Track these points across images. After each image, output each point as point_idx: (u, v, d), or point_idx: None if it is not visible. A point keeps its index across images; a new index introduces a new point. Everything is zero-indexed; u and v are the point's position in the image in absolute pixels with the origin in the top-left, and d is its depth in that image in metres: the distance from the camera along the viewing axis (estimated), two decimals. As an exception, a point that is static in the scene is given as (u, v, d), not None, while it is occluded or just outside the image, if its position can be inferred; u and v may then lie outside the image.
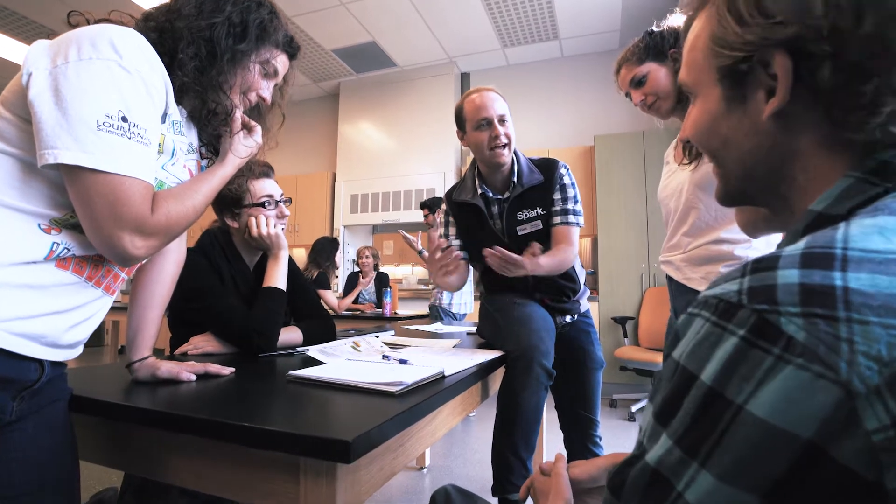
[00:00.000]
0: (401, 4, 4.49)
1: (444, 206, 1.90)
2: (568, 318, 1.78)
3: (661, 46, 1.43)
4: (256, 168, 1.52)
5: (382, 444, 0.74)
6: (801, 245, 0.36)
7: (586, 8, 4.54)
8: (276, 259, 1.54)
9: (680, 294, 1.47)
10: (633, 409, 3.73)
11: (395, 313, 3.87)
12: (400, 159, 5.71)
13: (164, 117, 0.84)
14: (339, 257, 4.86)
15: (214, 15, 0.89)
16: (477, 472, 2.67)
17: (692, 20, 0.55)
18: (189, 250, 1.26)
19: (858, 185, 0.41)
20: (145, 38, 0.80)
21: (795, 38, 0.41)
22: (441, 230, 1.88)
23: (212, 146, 1.02)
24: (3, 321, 0.72)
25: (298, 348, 1.49)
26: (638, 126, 4.90)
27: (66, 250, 0.78)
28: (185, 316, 1.47)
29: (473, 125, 1.67)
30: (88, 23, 0.81)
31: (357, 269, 4.77)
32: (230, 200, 1.50)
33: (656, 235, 4.38)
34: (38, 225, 0.75)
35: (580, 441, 1.76)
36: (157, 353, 1.10)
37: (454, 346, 1.61)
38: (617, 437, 3.17)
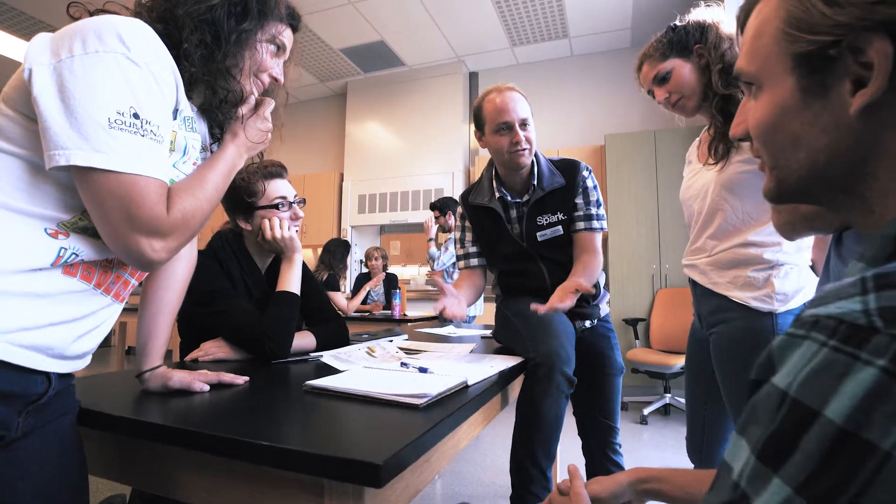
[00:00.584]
0: (409, 3, 4.45)
1: (459, 210, 1.85)
2: (588, 323, 1.73)
3: (686, 41, 1.37)
4: (269, 168, 1.48)
5: (412, 464, 0.69)
6: None
7: (597, 6, 4.48)
8: (291, 262, 1.50)
9: (704, 298, 1.42)
10: (646, 412, 3.67)
11: (405, 315, 3.83)
12: (408, 159, 5.67)
13: (175, 113, 0.80)
14: (348, 259, 4.83)
15: None
16: (489, 478, 2.62)
17: (753, 4, 0.50)
18: (199, 253, 1.21)
19: None
20: (152, 29, 0.76)
21: None
22: (456, 234, 1.84)
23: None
24: (8, 333, 0.68)
25: (312, 354, 1.45)
26: (649, 125, 4.83)
27: (73, 255, 0.74)
28: (195, 320, 1.43)
29: (493, 128, 1.59)
30: (90, 14, 0.76)
31: (365, 270, 4.74)
32: (244, 203, 1.46)
33: (668, 236, 4.32)
34: (45, 229, 0.71)
35: (599, 449, 1.71)
36: (166, 356, 1.07)
37: (471, 352, 1.57)
38: (629, 441, 3.12)
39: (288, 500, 0.70)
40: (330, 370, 1.19)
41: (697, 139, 1.53)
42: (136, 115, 0.68)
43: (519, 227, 1.69)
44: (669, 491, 0.75)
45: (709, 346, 1.38)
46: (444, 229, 4.01)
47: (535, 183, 1.64)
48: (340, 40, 5.11)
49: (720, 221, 1.36)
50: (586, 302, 1.71)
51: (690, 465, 1.52)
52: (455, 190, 5.19)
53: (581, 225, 1.65)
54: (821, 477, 0.28)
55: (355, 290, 4.52)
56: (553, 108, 5.36)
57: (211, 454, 0.73)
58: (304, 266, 1.60)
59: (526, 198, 1.67)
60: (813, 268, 1.29)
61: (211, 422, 0.81)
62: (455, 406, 0.88)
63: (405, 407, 0.86)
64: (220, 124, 0.94)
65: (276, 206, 1.48)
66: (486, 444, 3.15)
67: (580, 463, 1.59)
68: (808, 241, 1.29)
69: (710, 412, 1.46)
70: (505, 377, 1.23)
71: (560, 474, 2.25)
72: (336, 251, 4.46)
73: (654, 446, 3.15)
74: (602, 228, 1.66)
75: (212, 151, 0.96)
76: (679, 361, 3.57)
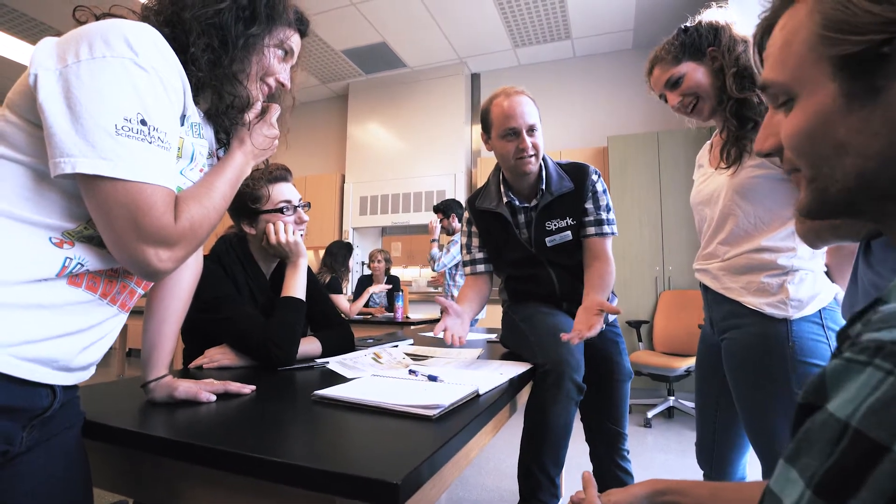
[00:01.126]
0: (411, 4, 4.43)
1: (466, 215, 1.83)
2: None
3: (699, 44, 1.34)
4: (274, 171, 1.46)
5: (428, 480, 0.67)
6: None
7: (599, 7, 4.46)
8: (296, 267, 1.48)
9: (716, 304, 1.40)
10: (650, 415, 3.65)
11: (407, 317, 3.81)
12: (409, 161, 5.65)
13: (182, 119, 0.78)
14: (351, 261, 4.82)
15: (220, 0, 0.82)
16: (493, 482, 2.60)
17: (776, 16, 0.48)
18: (203, 258, 1.20)
19: None
20: (160, 34, 0.74)
21: None
22: (463, 240, 1.82)
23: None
24: (12, 346, 0.65)
25: (318, 360, 1.43)
26: (652, 127, 4.81)
27: (79, 265, 0.72)
28: (199, 326, 1.40)
29: (500, 133, 1.57)
30: (96, 18, 0.75)
31: (368, 272, 4.72)
32: (248, 208, 1.44)
33: (671, 238, 4.30)
34: (50, 238, 0.69)
35: (608, 455, 1.69)
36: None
37: (478, 357, 1.55)
38: (633, 445, 3.08)
39: (299, 516, 0.68)
40: (337, 377, 1.17)
41: (708, 143, 1.50)
42: (143, 122, 0.66)
43: (527, 232, 1.66)
44: None
45: (720, 352, 1.36)
46: (447, 231, 3.99)
47: (544, 187, 1.62)
48: (342, 41, 5.09)
49: (732, 226, 1.34)
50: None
51: (697, 469, 1.51)
52: (457, 191, 5.18)
53: (591, 230, 1.62)
54: None
55: (357, 293, 4.50)
56: (555, 109, 5.33)
57: (218, 469, 0.72)
58: (309, 270, 1.58)
59: (534, 202, 1.64)
60: (828, 273, 1.27)
61: (217, 435, 0.79)
62: (468, 417, 0.86)
63: (417, 418, 0.84)
64: (226, 130, 0.92)
65: (280, 211, 1.46)
66: (491, 449, 3.12)
67: (587, 469, 1.57)
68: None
69: (720, 418, 1.44)
70: (515, 385, 1.21)
71: (567, 480, 2.22)
72: (338, 253, 4.44)
73: (658, 449, 3.13)
74: (613, 233, 1.64)
75: (218, 157, 0.94)
76: (683, 364, 3.55)
